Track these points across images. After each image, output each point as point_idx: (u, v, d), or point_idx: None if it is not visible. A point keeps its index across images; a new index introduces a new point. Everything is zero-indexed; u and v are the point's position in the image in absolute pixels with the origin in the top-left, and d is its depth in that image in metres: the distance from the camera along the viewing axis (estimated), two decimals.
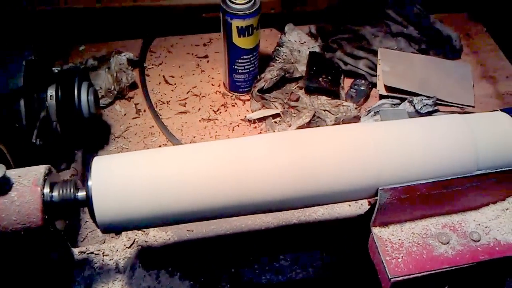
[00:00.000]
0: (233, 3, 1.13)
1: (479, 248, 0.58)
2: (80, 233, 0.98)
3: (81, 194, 0.54)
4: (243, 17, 1.13)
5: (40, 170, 0.54)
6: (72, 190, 0.54)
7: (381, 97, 1.29)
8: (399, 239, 0.59)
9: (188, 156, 0.55)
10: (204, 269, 0.66)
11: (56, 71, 1.10)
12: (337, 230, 0.72)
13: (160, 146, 1.19)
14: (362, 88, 1.30)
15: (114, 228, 0.54)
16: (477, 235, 0.59)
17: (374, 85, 1.30)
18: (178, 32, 1.47)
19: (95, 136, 1.18)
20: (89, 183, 0.53)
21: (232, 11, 1.12)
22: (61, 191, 0.54)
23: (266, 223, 0.72)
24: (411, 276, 0.56)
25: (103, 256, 0.68)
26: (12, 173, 0.53)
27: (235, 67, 1.24)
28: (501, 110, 1.22)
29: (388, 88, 1.26)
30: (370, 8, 1.35)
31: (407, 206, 0.58)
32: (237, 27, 1.14)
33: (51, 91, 1.02)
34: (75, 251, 0.69)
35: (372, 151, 0.56)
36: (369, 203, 0.76)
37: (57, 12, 1.38)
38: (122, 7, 1.48)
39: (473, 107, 1.28)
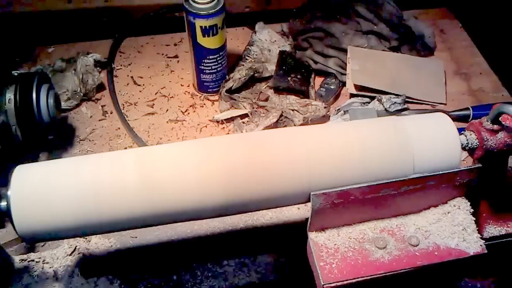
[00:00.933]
0: (195, 2, 1.11)
1: (417, 253, 0.56)
2: None
3: (3, 204, 0.52)
4: (206, 17, 1.11)
5: None
6: None
7: (352, 95, 1.27)
8: (335, 244, 0.57)
9: (108, 164, 0.53)
10: (145, 277, 0.65)
11: (16, 74, 1.08)
12: (284, 233, 0.71)
13: (126, 148, 1.17)
14: (332, 87, 1.28)
15: (37, 238, 0.52)
16: (415, 239, 0.57)
17: (344, 83, 1.29)
18: (149, 32, 1.45)
19: (59, 139, 1.17)
20: (8, 192, 0.51)
21: (194, 11, 1.11)
22: None
23: (212, 228, 0.70)
24: (345, 282, 0.54)
25: (43, 263, 0.66)
26: None
27: (202, 67, 1.22)
28: (472, 107, 1.21)
29: (357, 87, 1.25)
30: (340, 5, 1.33)
31: (343, 211, 0.56)
32: (201, 27, 1.13)
33: (9, 95, 1.01)
34: (16, 258, 0.67)
35: (302, 155, 0.55)
36: None
37: (26, 14, 1.36)
38: (94, 8, 1.47)
39: (444, 104, 1.26)
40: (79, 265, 0.65)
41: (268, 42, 1.37)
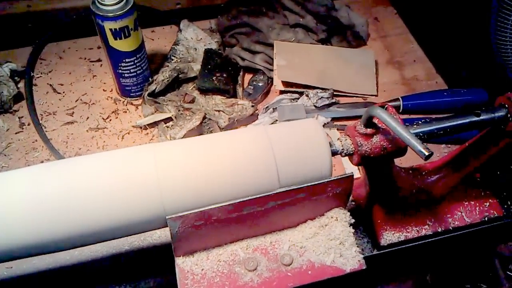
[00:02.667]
0: (102, 4, 1.05)
1: (289, 274, 0.52)
2: None
3: None
4: (114, 19, 1.05)
5: None
6: None
7: (281, 92, 1.23)
8: (202, 270, 0.53)
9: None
10: None
11: None
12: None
13: (42, 162, 1.11)
14: (260, 84, 1.24)
15: None
16: (288, 258, 0.53)
17: (273, 80, 1.24)
18: (72, 35, 1.38)
19: None
20: None
21: (102, 13, 1.05)
22: None
23: (94, 252, 0.65)
24: None
25: None
26: None
27: (120, 71, 1.16)
28: (402, 97, 1.17)
29: (285, 83, 1.20)
30: None
31: (209, 232, 0.52)
32: (111, 29, 1.07)
33: None
34: None
35: (152, 175, 0.50)
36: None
37: None
38: (14, 14, 1.40)
39: (375, 95, 1.22)
40: None
41: (194, 41, 1.31)
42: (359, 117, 1.19)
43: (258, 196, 0.50)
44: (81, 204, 0.48)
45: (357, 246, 0.54)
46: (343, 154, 0.57)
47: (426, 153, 0.48)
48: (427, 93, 1.17)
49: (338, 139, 0.57)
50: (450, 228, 0.67)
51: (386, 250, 0.64)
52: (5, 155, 1.13)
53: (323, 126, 1.13)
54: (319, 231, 0.55)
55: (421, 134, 0.57)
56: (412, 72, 1.30)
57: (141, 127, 1.18)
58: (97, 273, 0.64)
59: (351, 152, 0.56)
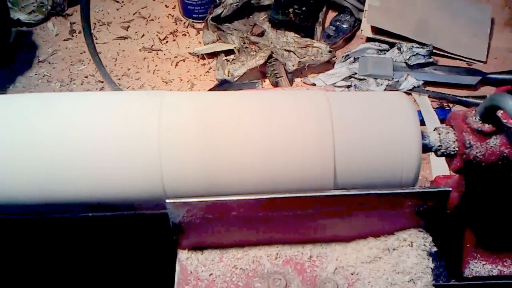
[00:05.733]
0: None
1: None
2: None
3: None
4: None
5: None
6: None
7: (368, 39, 1.02)
8: (211, 275, 0.38)
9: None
10: None
11: None
12: None
13: (86, 77, 1.00)
14: (344, 25, 1.04)
15: None
16: (332, 285, 0.37)
17: (360, 23, 1.03)
18: None
19: (17, 57, 1.01)
20: None
21: None
22: None
23: None
24: None
25: None
26: None
27: None
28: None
29: (374, 29, 0.99)
30: None
31: (224, 228, 0.37)
32: None
33: None
34: None
35: (152, 138, 0.35)
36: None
37: None
38: None
39: (484, 62, 0.99)
40: None
41: None
42: (458, 86, 0.97)
43: (301, 195, 0.34)
44: (60, 153, 0.34)
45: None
46: (438, 153, 0.39)
47: None
48: None
49: (436, 129, 0.39)
50: None
51: (469, 283, 0.47)
52: (49, 63, 1.03)
53: (412, 89, 0.93)
54: (382, 255, 0.38)
55: None
56: None
57: (198, 56, 1.03)
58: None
59: (453, 153, 0.38)
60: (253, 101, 0.37)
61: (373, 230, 0.39)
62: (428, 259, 0.38)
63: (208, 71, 1.01)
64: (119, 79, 1.00)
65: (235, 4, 1.03)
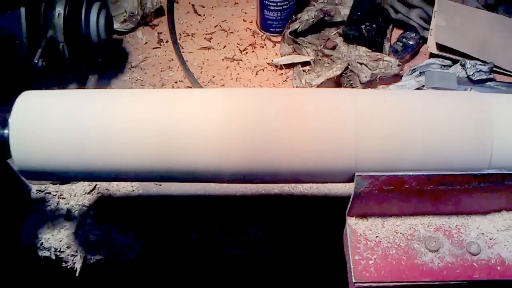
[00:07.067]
0: None
1: (475, 264, 0.46)
2: None
3: (5, 132, 0.47)
4: None
5: None
6: None
7: (432, 55, 1.12)
8: (377, 237, 0.48)
9: (121, 104, 0.46)
10: (162, 231, 0.59)
11: None
12: (322, 207, 0.62)
13: (176, 82, 1.11)
14: (411, 42, 1.14)
15: (36, 177, 0.47)
16: (476, 247, 0.47)
17: (425, 40, 1.14)
18: None
19: (110, 63, 1.12)
20: (10, 120, 0.45)
21: None
22: None
23: (243, 188, 0.63)
24: (380, 285, 0.45)
25: (59, 198, 0.62)
26: None
27: (266, 2, 1.11)
28: None
29: (440, 47, 1.10)
30: None
31: (392, 199, 0.47)
32: None
33: (59, 9, 0.95)
34: (33, 188, 0.63)
35: (351, 123, 0.45)
36: None
37: None
38: None
39: None
40: (95, 206, 0.60)
41: None
42: None
43: (465, 173, 0.44)
44: (271, 141, 0.44)
45: None
46: None
47: None
48: None
49: None
50: None
51: None
52: (141, 68, 1.13)
53: None
54: None
55: None
56: None
57: (276, 66, 1.13)
58: (241, 209, 0.62)
59: None
60: (415, 97, 0.47)
61: (504, 205, 0.48)
62: None
63: (285, 80, 1.12)
64: (206, 85, 1.10)
65: (311, 20, 1.14)
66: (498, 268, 0.46)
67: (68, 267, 0.57)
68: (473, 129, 0.45)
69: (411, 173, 0.44)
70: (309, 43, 1.15)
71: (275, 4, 1.11)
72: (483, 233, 0.48)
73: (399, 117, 0.45)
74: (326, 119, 0.45)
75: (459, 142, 0.45)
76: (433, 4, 1.12)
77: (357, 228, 0.48)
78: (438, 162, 0.45)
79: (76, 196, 0.62)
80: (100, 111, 0.45)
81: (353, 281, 0.45)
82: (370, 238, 0.48)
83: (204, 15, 1.23)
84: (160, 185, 0.62)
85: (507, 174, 0.44)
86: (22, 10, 0.90)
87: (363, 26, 1.12)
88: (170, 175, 0.44)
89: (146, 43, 1.18)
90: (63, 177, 0.48)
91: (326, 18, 1.16)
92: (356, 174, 0.45)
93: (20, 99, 0.46)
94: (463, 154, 0.45)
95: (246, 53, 1.16)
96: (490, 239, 0.48)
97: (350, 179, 0.46)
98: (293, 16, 1.15)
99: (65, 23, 0.95)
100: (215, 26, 1.21)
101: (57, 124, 0.45)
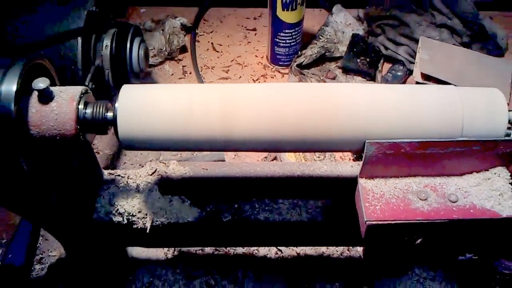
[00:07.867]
0: None
1: (454, 208, 0.63)
2: (120, 162, 1.13)
3: (110, 114, 0.64)
4: None
5: (78, 89, 0.64)
6: (102, 110, 0.64)
7: (417, 83, 1.32)
8: (381, 191, 0.65)
9: (200, 93, 0.63)
10: (211, 202, 0.75)
11: (112, 22, 1.20)
12: (336, 185, 0.79)
13: None
14: (399, 73, 1.34)
15: (133, 146, 0.63)
16: (455, 196, 0.64)
17: (411, 72, 1.34)
18: (232, 4, 1.55)
19: None
20: (116, 105, 0.62)
21: None
22: (94, 109, 0.64)
23: (272, 172, 0.79)
24: (385, 222, 0.62)
25: (128, 179, 0.78)
26: (55, 88, 0.64)
27: (277, 39, 1.31)
28: None
29: (424, 76, 1.30)
30: None
31: (392, 162, 0.64)
32: (282, 0, 1.21)
33: (106, 42, 1.14)
34: (105, 172, 0.79)
35: (362, 105, 0.62)
36: None
37: None
38: None
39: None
40: (157, 184, 0.76)
41: (343, 25, 1.44)
42: None
43: (444, 139, 0.62)
44: (302, 114, 0.62)
45: None
46: None
47: None
48: None
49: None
50: None
51: None
52: None
53: None
54: (482, 182, 0.65)
55: None
56: None
57: None
58: (271, 187, 0.78)
59: None
60: (405, 88, 0.66)
61: (475, 168, 0.66)
62: (509, 184, 0.65)
63: None
64: None
65: (314, 55, 1.34)
66: (471, 211, 0.62)
67: (139, 227, 0.72)
68: (449, 107, 0.63)
69: (405, 140, 0.62)
70: (313, 74, 1.34)
71: (284, 42, 1.31)
72: (459, 188, 0.65)
73: (394, 100, 0.63)
74: (346, 100, 0.63)
75: (438, 119, 0.63)
76: (417, 42, 1.34)
77: (366, 186, 0.65)
78: (425, 131, 0.63)
79: (141, 177, 0.78)
80: (181, 97, 0.63)
81: (365, 220, 0.62)
82: (376, 192, 0.64)
83: (221, 51, 1.42)
84: (207, 169, 0.79)
85: (473, 140, 0.62)
86: (79, 40, 1.08)
87: (358, 60, 1.33)
88: (231, 144, 0.62)
89: (172, 74, 1.37)
90: (155, 146, 0.64)
91: (327, 53, 1.36)
92: (366, 141, 0.62)
93: (123, 89, 0.63)
94: (442, 127, 0.63)
95: (259, 82, 1.35)
96: (465, 192, 0.64)
97: (362, 147, 0.63)
98: (299, 52, 1.36)
99: (111, 53, 1.14)
100: (232, 61, 1.40)
101: (153, 104, 0.62)
